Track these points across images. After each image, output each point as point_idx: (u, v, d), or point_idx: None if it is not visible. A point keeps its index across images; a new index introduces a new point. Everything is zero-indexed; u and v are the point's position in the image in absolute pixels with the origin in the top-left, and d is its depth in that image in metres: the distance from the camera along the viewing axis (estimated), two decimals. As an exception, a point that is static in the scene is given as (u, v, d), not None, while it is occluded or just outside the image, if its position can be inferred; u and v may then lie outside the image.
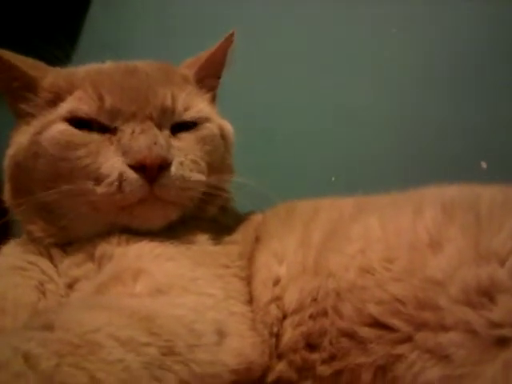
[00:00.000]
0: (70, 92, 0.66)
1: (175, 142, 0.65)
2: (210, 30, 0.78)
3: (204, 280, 0.59)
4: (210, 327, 0.52)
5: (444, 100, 1.09)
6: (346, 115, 1.15)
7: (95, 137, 0.63)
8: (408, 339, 0.50)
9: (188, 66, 0.75)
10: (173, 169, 0.62)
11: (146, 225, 0.63)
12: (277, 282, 0.62)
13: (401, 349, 0.51)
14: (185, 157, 0.65)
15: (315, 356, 0.56)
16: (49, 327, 0.43)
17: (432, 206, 0.58)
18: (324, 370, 0.55)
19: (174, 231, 0.64)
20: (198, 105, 0.70)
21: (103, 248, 0.62)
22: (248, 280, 0.64)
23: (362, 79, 1.15)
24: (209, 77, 0.75)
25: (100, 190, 0.61)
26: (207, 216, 0.69)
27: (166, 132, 0.65)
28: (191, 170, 0.65)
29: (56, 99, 0.66)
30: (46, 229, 0.66)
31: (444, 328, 0.49)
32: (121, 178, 0.60)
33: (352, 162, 1.12)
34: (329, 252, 0.59)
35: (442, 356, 0.48)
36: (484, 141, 1.03)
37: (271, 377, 0.58)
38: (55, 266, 0.64)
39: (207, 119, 0.70)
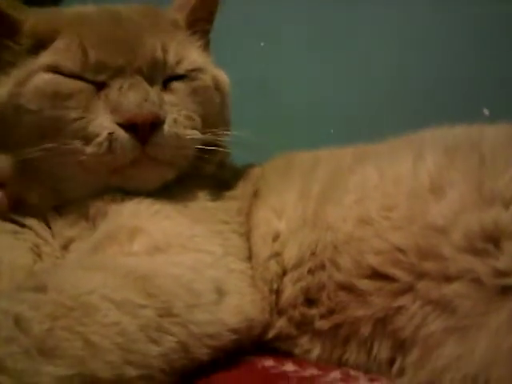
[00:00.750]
0: (52, 39, 0.60)
1: (167, 97, 0.62)
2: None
3: (202, 237, 0.57)
4: (208, 286, 0.50)
5: (446, 46, 1.06)
6: (345, 65, 1.13)
7: (84, 86, 0.59)
8: (409, 289, 0.49)
9: (177, 9, 0.70)
10: (166, 127, 0.59)
11: (140, 186, 0.60)
12: (276, 238, 0.60)
13: (401, 300, 0.49)
14: (178, 113, 0.61)
15: (314, 311, 0.55)
16: (42, 289, 0.42)
17: (433, 150, 0.55)
18: (323, 324, 0.54)
19: (171, 189, 0.62)
20: (190, 55, 0.66)
21: (97, 206, 0.59)
22: (247, 236, 0.62)
23: (362, 29, 1.12)
24: (201, 20, 0.70)
25: (89, 150, 0.57)
26: (205, 173, 0.66)
27: (158, 87, 0.61)
28: (185, 127, 0.61)
29: (37, 46, 0.61)
30: (34, 189, 0.62)
31: (447, 278, 0.47)
32: (111, 138, 0.56)
33: (351, 114, 1.10)
34: (327, 204, 0.58)
35: (445, 307, 0.46)
36: (486, 88, 1.01)
37: (271, 333, 0.57)
38: (49, 227, 0.61)
39: (201, 70, 0.66)
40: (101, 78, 0.59)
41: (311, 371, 0.52)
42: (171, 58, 0.63)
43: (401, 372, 0.49)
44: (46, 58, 0.60)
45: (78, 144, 0.57)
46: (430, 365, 0.46)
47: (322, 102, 1.13)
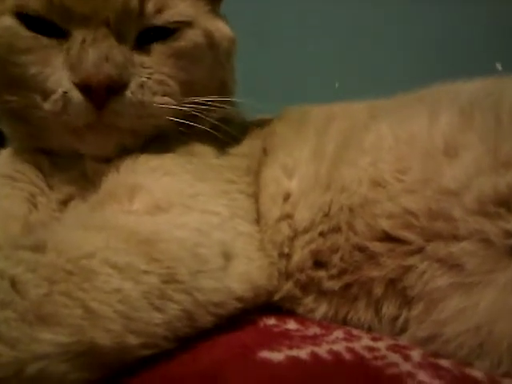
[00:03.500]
0: None
1: (140, 57, 0.55)
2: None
3: (207, 196, 0.54)
4: (215, 250, 0.48)
5: (459, 3, 1.03)
6: (347, 17, 1.10)
7: (44, 41, 0.53)
8: (419, 250, 0.49)
9: None
10: (128, 93, 0.53)
11: (96, 152, 0.56)
12: (287, 198, 0.58)
13: (411, 260, 0.49)
14: (149, 76, 0.55)
15: (322, 273, 0.54)
16: (40, 248, 0.40)
17: (448, 109, 0.53)
18: (331, 284, 0.54)
19: (171, 143, 0.58)
20: (176, 4, 0.57)
21: (94, 164, 0.57)
22: (255, 196, 0.59)
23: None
24: None
25: (46, 106, 0.53)
26: (199, 130, 0.59)
27: (129, 43, 0.54)
28: (154, 94, 0.55)
29: None
30: (22, 133, 0.59)
31: (457, 238, 0.47)
32: (65, 98, 0.52)
33: (356, 67, 1.07)
34: (342, 165, 0.56)
35: (453, 265, 0.46)
36: (498, 42, 0.99)
37: (277, 296, 0.56)
38: (45, 176, 0.59)
39: (188, 24, 0.57)
40: (65, 25, 0.53)
41: (314, 330, 0.52)
42: (150, 6, 0.55)
43: (404, 328, 0.49)
44: None
45: (37, 98, 0.53)
46: (434, 317, 0.46)
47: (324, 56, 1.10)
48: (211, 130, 0.58)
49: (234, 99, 0.64)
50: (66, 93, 0.52)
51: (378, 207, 0.51)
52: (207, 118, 0.58)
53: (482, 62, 0.94)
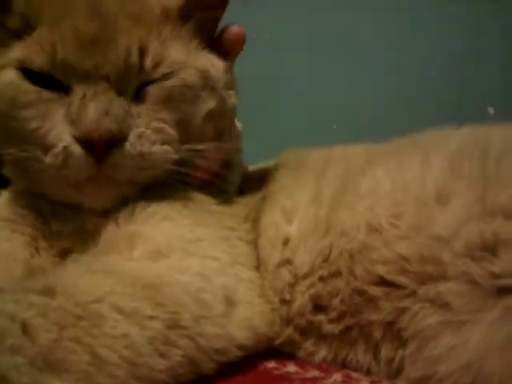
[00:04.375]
0: (33, 25, 0.55)
1: (136, 108, 0.55)
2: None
3: (207, 242, 0.54)
4: (217, 295, 0.49)
5: (450, 45, 1.06)
6: (346, 60, 1.13)
7: (45, 95, 0.54)
8: (412, 294, 0.50)
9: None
10: (127, 145, 0.53)
11: (96, 203, 0.56)
12: (286, 243, 0.58)
13: (406, 302, 0.50)
14: (146, 125, 0.55)
15: (321, 317, 0.55)
16: (49, 292, 0.40)
17: (439, 157, 0.55)
18: (332, 328, 0.54)
19: (168, 189, 0.58)
20: (171, 54, 0.57)
21: (93, 217, 0.57)
22: (254, 243, 0.59)
23: (363, 29, 1.12)
24: (203, 9, 0.60)
25: (47, 159, 0.53)
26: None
27: (127, 96, 0.55)
28: (153, 143, 0.55)
29: (22, 31, 0.55)
30: (24, 180, 0.60)
31: (445, 279, 0.49)
32: (65, 152, 0.52)
33: (354, 110, 1.10)
34: (340, 208, 0.57)
35: (441, 304, 0.48)
36: (491, 86, 1.01)
37: (277, 341, 0.56)
38: (46, 221, 0.60)
39: (180, 68, 0.57)
40: (67, 81, 0.54)
41: (313, 373, 0.52)
42: (148, 62, 0.55)
43: (400, 369, 0.50)
44: (18, 50, 0.55)
45: (38, 152, 0.54)
46: (426, 354, 0.47)
47: (324, 99, 1.12)
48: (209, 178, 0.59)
49: (231, 145, 0.64)
50: (66, 147, 0.52)
51: (374, 253, 0.53)
52: (204, 166, 0.58)
53: (475, 106, 0.97)
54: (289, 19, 1.17)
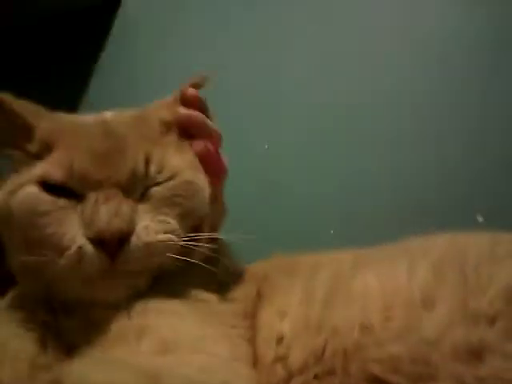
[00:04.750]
0: (52, 148, 0.64)
1: (142, 206, 0.61)
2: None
3: (211, 339, 0.58)
4: None
5: (440, 150, 1.11)
6: (343, 167, 1.18)
7: (61, 203, 0.60)
8: None
9: (171, 105, 0.72)
10: (134, 239, 0.58)
11: (110, 297, 0.60)
12: (280, 340, 0.61)
13: None
14: (152, 219, 0.61)
15: None
16: (57, 383, 0.43)
17: (423, 263, 0.60)
18: None
19: (177, 286, 0.62)
20: (172, 161, 0.66)
21: (104, 312, 0.60)
22: (252, 341, 0.62)
23: (358, 135, 1.18)
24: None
25: (62, 261, 0.58)
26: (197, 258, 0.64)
27: (134, 197, 0.62)
28: (157, 233, 0.60)
29: (43, 152, 0.64)
30: (37, 284, 0.63)
31: (435, 379, 0.51)
32: (80, 252, 0.57)
33: (349, 216, 1.13)
34: (332, 309, 0.60)
35: None
36: (480, 194, 1.05)
37: None
38: (56, 318, 0.62)
39: (180, 171, 0.66)
40: (82, 190, 0.60)
41: None
42: (153, 169, 0.63)
43: None
44: (38, 169, 0.62)
45: (52, 256, 0.58)
46: None
47: (322, 203, 1.17)
48: (208, 266, 0.63)
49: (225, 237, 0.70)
50: (80, 248, 0.57)
51: (368, 352, 0.55)
52: (203, 251, 0.64)
53: (463, 213, 1.00)
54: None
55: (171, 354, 0.53)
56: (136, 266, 0.59)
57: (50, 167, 0.61)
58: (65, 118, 0.70)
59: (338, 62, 1.23)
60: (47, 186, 0.61)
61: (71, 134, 0.65)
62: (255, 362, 0.60)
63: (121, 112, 0.72)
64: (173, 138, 0.69)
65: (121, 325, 0.57)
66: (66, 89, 1.42)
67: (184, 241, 0.62)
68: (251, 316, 0.64)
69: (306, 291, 0.64)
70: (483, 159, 1.07)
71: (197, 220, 0.66)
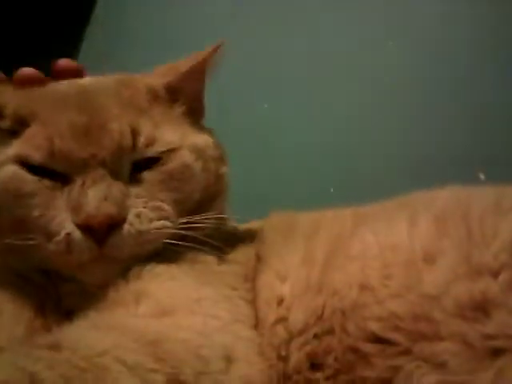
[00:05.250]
0: (26, 124, 0.60)
1: (134, 189, 0.58)
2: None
3: (210, 300, 0.57)
4: (217, 352, 0.50)
5: (441, 111, 1.10)
6: (344, 127, 1.17)
7: (47, 184, 0.57)
8: (407, 352, 0.51)
9: (161, 75, 0.66)
10: (126, 226, 0.56)
11: (99, 281, 0.58)
12: (281, 302, 0.60)
13: (400, 360, 0.51)
14: (144, 204, 0.58)
15: (318, 375, 0.56)
16: (56, 346, 0.42)
17: (425, 217, 0.58)
18: None
19: (174, 251, 0.60)
20: (164, 135, 0.61)
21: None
22: (253, 302, 0.62)
23: (361, 91, 1.17)
24: (186, 93, 0.66)
25: (50, 246, 0.56)
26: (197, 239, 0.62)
27: (123, 179, 0.58)
28: (151, 220, 0.58)
29: (16, 130, 0.60)
30: (23, 262, 0.61)
31: (439, 338, 0.50)
32: (68, 239, 0.55)
33: (350, 174, 1.13)
34: (332, 269, 0.59)
35: (437, 363, 0.49)
36: (482, 152, 1.04)
37: None
38: (54, 283, 0.61)
39: (175, 149, 0.61)
40: (67, 171, 0.57)
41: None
42: (141, 141, 0.59)
43: None
44: (15, 147, 0.59)
45: (40, 239, 0.57)
46: None
47: (321, 161, 1.16)
48: (206, 238, 0.61)
49: (225, 215, 0.68)
50: (68, 234, 0.55)
51: (367, 310, 0.54)
52: (201, 235, 0.61)
53: (465, 171, 0.99)
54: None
55: (169, 317, 0.52)
56: (125, 254, 0.57)
57: (27, 147, 0.58)
58: (37, 90, 0.65)
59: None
60: (28, 165, 0.58)
61: (47, 106, 0.60)
62: (256, 324, 0.60)
63: (100, 77, 0.68)
64: (165, 110, 0.64)
65: (118, 289, 0.56)
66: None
67: (179, 227, 0.60)
68: (251, 278, 0.64)
69: (306, 252, 0.63)
70: (485, 116, 1.06)
71: (193, 204, 0.63)
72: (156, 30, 1.39)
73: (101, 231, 0.55)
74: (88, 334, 0.46)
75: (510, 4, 1.07)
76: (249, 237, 0.70)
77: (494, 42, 1.08)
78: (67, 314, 0.58)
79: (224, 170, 0.68)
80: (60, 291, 0.61)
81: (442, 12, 1.13)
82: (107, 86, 0.64)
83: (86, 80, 0.68)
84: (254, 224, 0.74)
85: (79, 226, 0.55)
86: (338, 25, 1.22)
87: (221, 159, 0.68)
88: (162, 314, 0.52)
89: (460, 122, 1.07)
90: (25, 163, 0.58)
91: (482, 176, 1.00)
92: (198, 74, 0.68)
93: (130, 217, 0.56)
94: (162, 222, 0.59)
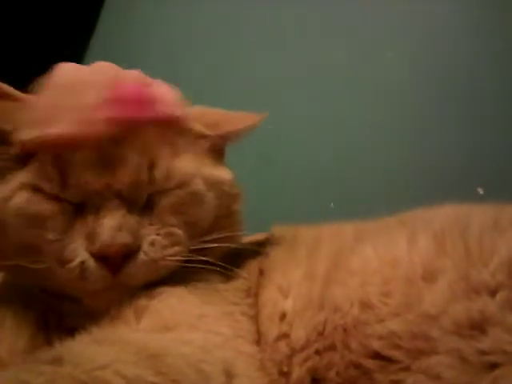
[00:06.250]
0: (32, 153, 0.58)
1: (147, 216, 0.58)
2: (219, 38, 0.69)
3: (212, 317, 0.57)
4: (217, 367, 0.50)
5: (441, 125, 1.11)
6: (344, 141, 1.17)
7: (63, 208, 0.57)
8: (406, 368, 0.52)
9: (204, 124, 0.65)
10: (141, 255, 0.56)
11: (110, 305, 0.58)
12: (283, 317, 0.61)
13: (400, 375, 0.52)
14: (157, 231, 0.58)
15: None
16: (58, 361, 0.43)
17: (424, 235, 0.59)
18: None
19: (178, 270, 0.61)
20: (181, 167, 0.60)
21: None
22: (255, 318, 0.62)
23: (361, 106, 1.17)
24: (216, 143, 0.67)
25: (63, 272, 0.56)
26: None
27: (138, 208, 0.58)
28: (164, 247, 0.58)
29: (23, 157, 0.59)
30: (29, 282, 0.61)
31: (436, 353, 0.51)
32: (82, 266, 0.55)
33: (351, 189, 1.13)
34: (333, 285, 0.60)
35: (433, 375, 0.50)
36: (481, 166, 1.05)
37: None
38: (59, 301, 0.61)
39: (190, 178, 0.61)
40: (79, 199, 0.57)
41: None
42: (158, 175, 0.58)
43: None
44: (25, 176, 0.58)
45: (52, 264, 0.57)
46: None
47: (322, 176, 1.16)
48: (213, 260, 0.61)
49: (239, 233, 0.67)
50: (82, 262, 0.55)
51: (368, 328, 0.55)
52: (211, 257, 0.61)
53: (464, 186, 1.00)
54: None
55: (170, 333, 0.52)
56: (140, 281, 0.58)
57: (37, 178, 0.57)
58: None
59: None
60: (42, 191, 0.57)
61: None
62: (258, 339, 0.60)
63: None
64: (190, 139, 0.63)
65: (120, 306, 0.57)
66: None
67: (191, 251, 0.60)
68: (254, 293, 0.64)
69: (308, 267, 0.64)
70: (484, 130, 1.06)
71: (203, 228, 0.63)
72: (164, 36, 1.39)
73: (116, 260, 0.55)
74: (89, 348, 0.46)
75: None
76: (252, 251, 0.70)
77: (495, 54, 1.09)
78: (70, 331, 0.57)
79: (237, 207, 0.68)
80: (63, 310, 0.61)
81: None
82: None
83: None
84: (257, 237, 0.74)
85: (94, 255, 0.55)
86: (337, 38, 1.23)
87: (235, 197, 0.68)
88: (163, 328, 0.53)
89: (459, 134, 1.08)
90: (38, 189, 0.58)
91: (480, 191, 1.01)
92: (235, 137, 0.68)
93: (145, 245, 0.56)
94: (175, 248, 0.59)
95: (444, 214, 0.62)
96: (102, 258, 0.55)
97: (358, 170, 1.14)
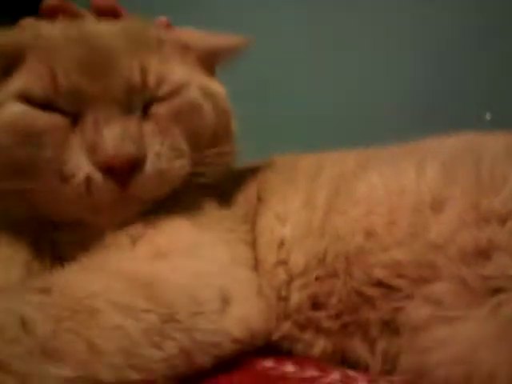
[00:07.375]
0: (20, 61, 0.55)
1: (148, 126, 0.56)
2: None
3: (208, 244, 0.56)
4: (213, 293, 0.50)
5: (448, 51, 1.07)
6: (346, 69, 1.14)
7: (59, 120, 0.53)
8: (409, 296, 0.52)
9: (181, 43, 0.63)
10: (148, 166, 0.54)
11: (116, 222, 0.56)
12: (281, 245, 0.60)
13: (402, 303, 0.52)
14: (161, 143, 0.55)
15: (320, 314, 0.56)
16: (46, 290, 0.42)
17: (433, 164, 0.57)
18: (331, 324, 0.56)
19: (174, 196, 0.59)
20: (173, 72, 0.59)
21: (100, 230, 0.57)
22: (253, 244, 0.61)
23: (363, 30, 1.14)
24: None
25: (67, 190, 0.53)
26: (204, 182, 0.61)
27: (137, 116, 0.55)
28: (170, 159, 0.56)
29: (8, 68, 0.55)
30: (21, 208, 0.58)
31: (438, 280, 0.50)
32: (88, 181, 0.52)
33: (352, 118, 1.11)
34: (335, 214, 0.58)
35: (433, 300, 0.50)
36: (488, 92, 1.02)
37: (275, 336, 0.57)
38: (49, 232, 0.59)
39: (184, 85, 0.59)
40: (74, 107, 0.53)
41: (311, 372, 0.53)
42: (151, 80, 0.56)
43: (395, 361, 0.52)
44: (15, 83, 0.54)
45: (55, 183, 0.53)
46: (418, 346, 0.49)
47: (321, 103, 1.13)
48: (210, 181, 0.60)
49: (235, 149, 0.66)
50: (88, 176, 0.52)
51: (372, 257, 0.54)
52: (212, 173, 0.60)
53: (472, 111, 0.98)
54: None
55: (164, 259, 0.51)
56: (148, 194, 0.56)
57: (28, 81, 0.53)
58: (24, 29, 0.59)
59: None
60: (32, 102, 0.54)
61: (44, 43, 0.55)
62: (256, 266, 0.59)
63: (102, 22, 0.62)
64: (176, 48, 0.62)
65: (116, 234, 0.55)
66: None
67: (195, 163, 0.59)
68: (251, 219, 0.63)
69: (308, 194, 0.62)
70: (492, 56, 1.03)
71: (204, 140, 0.61)
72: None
73: (122, 172, 0.52)
74: (79, 276, 0.45)
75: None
76: (250, 176, 0.68)
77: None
78: (62, 259, 0.55)
79: (233, 127, 0.66)
80: (58, 240, 0.59)
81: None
82: (112, 26, 0.61)
83: (88, 24, 0.62)
84: (255, 163, 0.72)
85: (99, 168, 0.52)
86: None
87: (230, 114, 0.66)
88: (157, 256, 0.52)
89: (466, 60, 1.05)
90: (29, 100, 0.54)
91: (488, 116, 0.99)
92: (220, 54, 0.67)
93: (151, 156, 0.54)
94: (180, 161, 0.57)
95: (454, 143, 0.60)
96: (107, 170, 0.52)
97: (361, 98, 1.12)
